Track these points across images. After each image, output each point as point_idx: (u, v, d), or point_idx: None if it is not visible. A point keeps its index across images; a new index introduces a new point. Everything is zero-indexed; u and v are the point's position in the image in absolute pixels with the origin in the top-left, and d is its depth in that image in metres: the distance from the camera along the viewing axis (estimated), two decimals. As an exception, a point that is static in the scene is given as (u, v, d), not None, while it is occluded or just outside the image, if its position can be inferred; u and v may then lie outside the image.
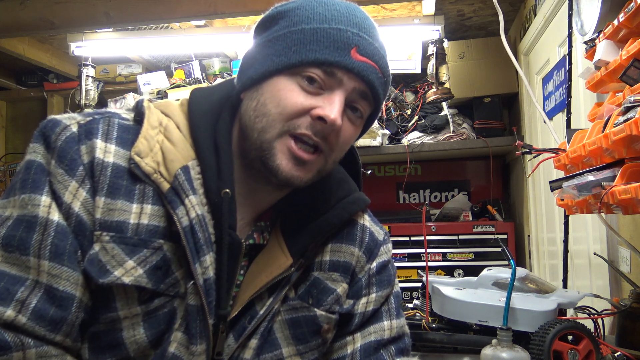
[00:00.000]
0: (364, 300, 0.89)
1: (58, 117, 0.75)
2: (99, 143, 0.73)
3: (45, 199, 0.70)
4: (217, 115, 0.81)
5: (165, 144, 0.76)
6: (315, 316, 0.83)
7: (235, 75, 0.84)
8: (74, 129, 0.74)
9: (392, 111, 3.07)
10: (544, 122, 1.95)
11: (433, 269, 2.82)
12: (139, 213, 0.73)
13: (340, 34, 0.75)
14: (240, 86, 0.80)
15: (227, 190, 0.75)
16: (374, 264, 0.91)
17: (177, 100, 0.84)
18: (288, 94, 0.75)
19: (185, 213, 0.73)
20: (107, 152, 0.73)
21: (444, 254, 2.87)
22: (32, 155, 0.73)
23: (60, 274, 0.68)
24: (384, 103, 3.03)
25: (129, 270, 0.71)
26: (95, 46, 2.94)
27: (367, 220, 0.93)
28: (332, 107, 0.74)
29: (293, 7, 0.78)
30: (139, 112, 0.79)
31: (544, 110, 2.25)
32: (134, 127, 0.77)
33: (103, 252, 0.71)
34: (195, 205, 0.73)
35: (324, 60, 0.74)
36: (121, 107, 3.13)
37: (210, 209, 0.76)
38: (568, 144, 1.31)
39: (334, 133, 0.76)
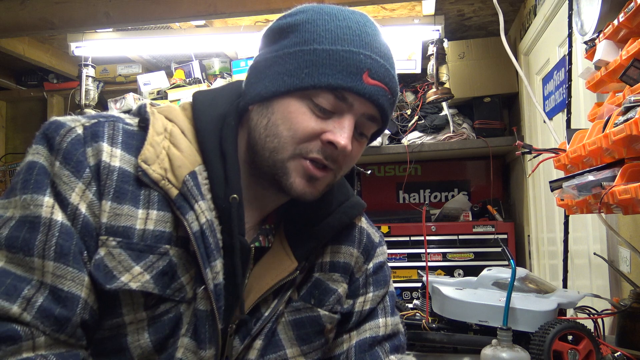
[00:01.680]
0: (361, 299, 0.91)
1: (61, 119, 0.74)
2: (105, 146, 0.73)
3: (48, 200, 0.69)
4: (222, 121, 0.81)
5: (172, 149, 0.75)
6: (319, 316, 0.85)
7: (236, 77, 0.84)
8: (79, 131, 0.73)
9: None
10: (544, 122, 1.95)
11: (433, 269, 2.82)
12: (145, 219, 0.73)
13: (353, 56, 0.74)
14: (249, 99, 0.80)
15: (235, 195, 0.76)
16: (371, 265, 0.94)
17: (178, 100, 0.84)
18: (300, 117, 0.75)
19: (195, 218, 0.73)
20: (113, 156, 0.73)
21: (444, 254, 2.87)
22: (35, 156, 0.72)
23: (65, 274, 0.67)
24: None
25: (135, 276, 0.71)
26: (95, 46, 2.94)
27: (364, 223, 0.95)
28: (342, 132, 0.75)
29: (303, 19, 0.77)
30: (143, 118, 0.78)
31: (544, 110, 2.25)
32: (138, 133, 0.77)
33: (109, 258, 0.70)
34: (204, 211, 0.74)
35: (337, 86, 0.74)
36: (121, 107, 3.13)
37: (218, 214, 0.76)
38: (568, 144, 1.31)
39: (342, 155, 0.77)
